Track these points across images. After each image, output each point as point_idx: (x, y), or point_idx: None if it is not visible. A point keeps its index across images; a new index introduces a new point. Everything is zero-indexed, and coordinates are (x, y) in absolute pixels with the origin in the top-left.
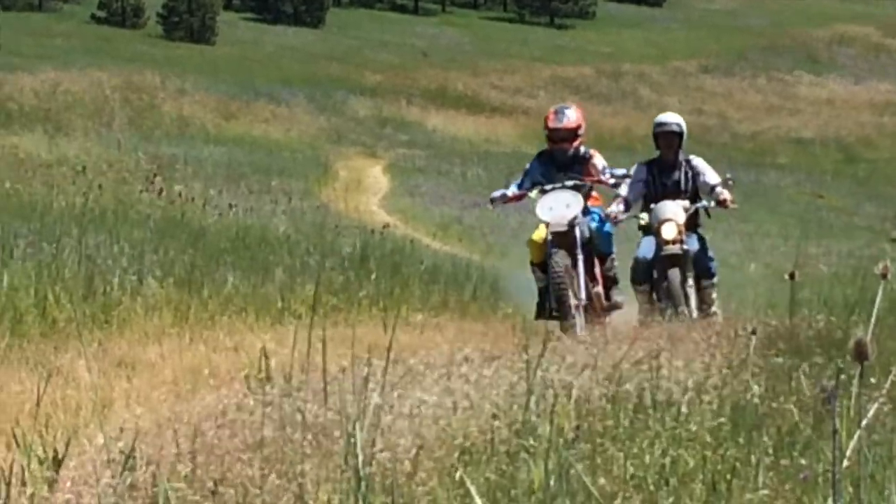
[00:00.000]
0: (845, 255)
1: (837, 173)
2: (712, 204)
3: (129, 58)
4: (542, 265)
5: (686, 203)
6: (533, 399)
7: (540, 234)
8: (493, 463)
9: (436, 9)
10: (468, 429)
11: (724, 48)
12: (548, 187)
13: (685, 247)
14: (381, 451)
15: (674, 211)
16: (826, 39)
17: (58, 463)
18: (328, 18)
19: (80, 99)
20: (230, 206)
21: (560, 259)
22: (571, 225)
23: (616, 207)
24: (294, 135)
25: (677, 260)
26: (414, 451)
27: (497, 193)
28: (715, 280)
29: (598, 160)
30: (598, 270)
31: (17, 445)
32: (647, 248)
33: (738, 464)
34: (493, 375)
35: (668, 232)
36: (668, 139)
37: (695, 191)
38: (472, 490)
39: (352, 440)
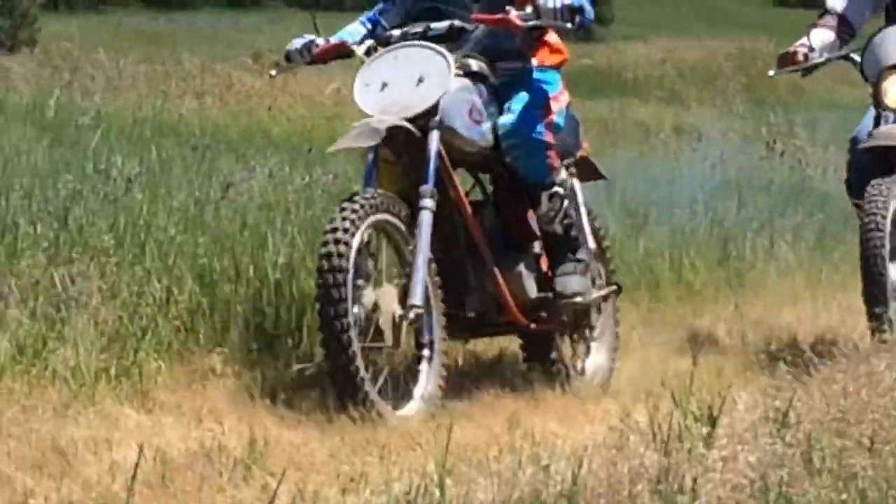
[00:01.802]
0: None
1: None
2: None
3: (741, 25)
4: None
5: None
6: None
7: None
8: None
9: None
10: None
11: None
12: (395, 33)
13: None
14: None
15: None
16: None
17: (713, 420)
18: None
19: (692, 67)
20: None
21: (357, 208)
22: (421, 127)
23: (816, 38)
24: None
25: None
26: None
27: (298, 43)
28: None
29: None
30: (531, 219)
31: (676, 405)
32: (868, 123)
33: None
34: None
35: (893, 92)
36: None
37: None
38: None
39: None
